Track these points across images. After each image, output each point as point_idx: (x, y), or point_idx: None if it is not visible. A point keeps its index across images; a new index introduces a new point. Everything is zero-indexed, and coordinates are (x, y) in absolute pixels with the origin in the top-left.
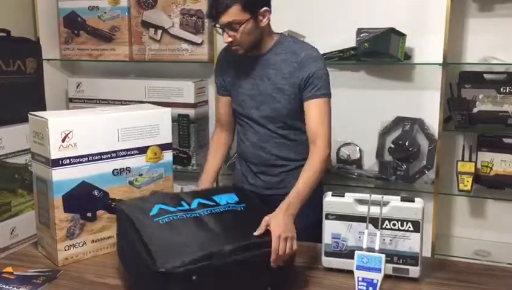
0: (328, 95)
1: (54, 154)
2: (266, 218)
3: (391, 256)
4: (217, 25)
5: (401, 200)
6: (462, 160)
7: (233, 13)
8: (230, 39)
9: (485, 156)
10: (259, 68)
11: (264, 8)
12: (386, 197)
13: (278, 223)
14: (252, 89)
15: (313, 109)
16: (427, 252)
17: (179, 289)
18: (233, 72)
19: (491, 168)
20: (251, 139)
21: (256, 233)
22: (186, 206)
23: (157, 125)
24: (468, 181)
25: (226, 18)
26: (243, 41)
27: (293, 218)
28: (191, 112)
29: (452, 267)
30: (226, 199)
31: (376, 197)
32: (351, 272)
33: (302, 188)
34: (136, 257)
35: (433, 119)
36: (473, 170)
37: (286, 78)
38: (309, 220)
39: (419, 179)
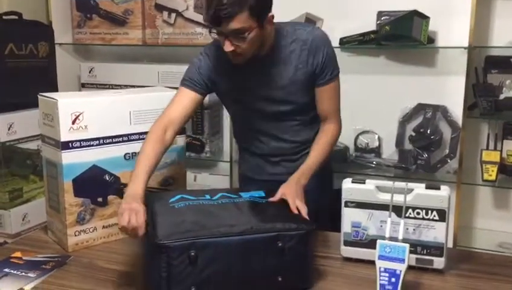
0: (337, 74)
1: (64, 137)
2: (282, 188)
3: (414, 246)
4: (214, 31)
5: (426, 188)
6: (487, 149)
7: (239, 20)
8: (232, 48)
9: (511, 145)
10: (267, 67)
11: (270, 14)
12: (410, 185)
13: (292, 191)
14: (269, 90)
15: (326, 91)
16: (448, 244)
17: (177, 263)
18: (239, 77)
19: None
20: (270, 134)
21: (271, 199)
22: (207, 197)
23: None
24: (493, 171)
25: (231, 25)
26: (248, 51)
27: (302, 188)
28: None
29: (477, 259)
30: (251, 194)
31: (399, 184)
32: (370, 262)
33: (314, 161)
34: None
35: (456, 106)
36: (498, 159)
37: (300, 68)
38: (319, 203)
39: (441, 168)
